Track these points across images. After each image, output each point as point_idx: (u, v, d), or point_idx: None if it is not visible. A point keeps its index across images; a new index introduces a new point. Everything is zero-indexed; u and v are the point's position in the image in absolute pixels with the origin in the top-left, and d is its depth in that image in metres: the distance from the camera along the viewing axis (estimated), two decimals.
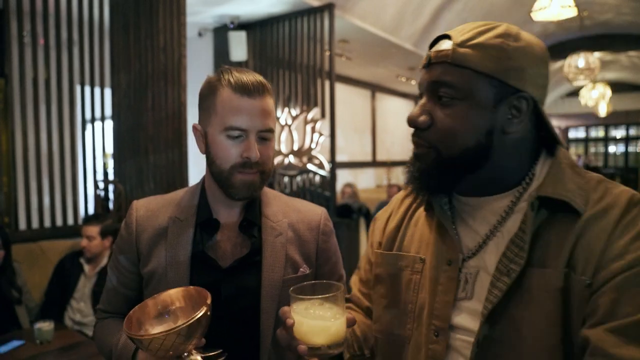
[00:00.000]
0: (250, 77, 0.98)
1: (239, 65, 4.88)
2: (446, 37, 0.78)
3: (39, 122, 3.18)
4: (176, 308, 0.90)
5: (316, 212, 1.14)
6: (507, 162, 0.78)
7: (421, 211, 0.91)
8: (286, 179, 4.79)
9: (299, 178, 4.71)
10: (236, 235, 1.05)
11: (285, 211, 1.10)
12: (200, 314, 0.80)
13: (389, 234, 0.95)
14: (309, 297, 0.79)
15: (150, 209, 1.09)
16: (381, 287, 0.92)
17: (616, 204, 0.71)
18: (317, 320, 0.77)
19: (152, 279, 1.03)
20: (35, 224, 3.22)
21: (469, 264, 0.79)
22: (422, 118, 0.78)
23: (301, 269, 1.06)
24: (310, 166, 4.62)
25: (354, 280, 1.06)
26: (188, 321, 0.78)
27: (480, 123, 0.75)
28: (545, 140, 0.82)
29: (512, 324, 0.71)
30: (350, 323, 0.79)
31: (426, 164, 0.79)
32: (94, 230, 2.67)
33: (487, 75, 0.73)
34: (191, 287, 0.91)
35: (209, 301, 0.83)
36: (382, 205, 6.03)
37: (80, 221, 3.28)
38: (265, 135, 0.99)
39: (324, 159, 4.55)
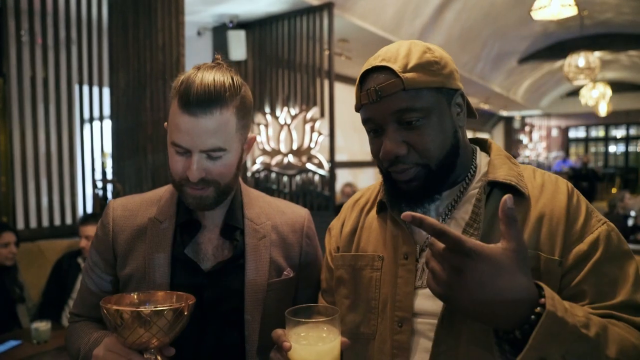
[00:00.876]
0: (202, 86, 0.88)
1: (236, 64, 4.88)
2: (379, 69, 0.82)
3: (37, 121, 3.17)
4: (158, 302, 0.87)
5: (300, 214, 1.11)
6: (462, 156, 0.86)
7: (373, 214, 0.96)
8: (285, 179, 4.79)
9: (298, 177, 4.70)
10: (218, 236, 1.01)
11: (268, 213, 1.07)
12: (179, 305, 0.78)
13: (345, 238, 0.98)
14: (305, 320, 0.77)
15: (128, 208, 1.04)
16: (343, 289, 0.94)
17: (559, 190, 0.82)
18: (314, 344, 0.75)
19: (130, 282, 0.99)
20: (33, 223, 3.22)
21: (425, 254, 0.79)
22: (401, 148, 0.81)
23: (285, 272, 1.03)
24: (309, 165, 4.61)
25: (319, 295, 1.05)
26: (164, 307, 0.77)
27: (447, 128, 0.83)
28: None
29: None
30: (345, 346, 0.79)
31: (419, 182, 0.82)
32: (92, 229, 2.66)
33: (437, 89, 0.81)
34: (178, 292, 0.88)
35: (191, 302, 0.81)
36: None
37: (78, 221, 3.27)
38: (213, 155, 0.91)
39: (324, 159, 4.55)
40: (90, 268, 1.05)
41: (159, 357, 0.81)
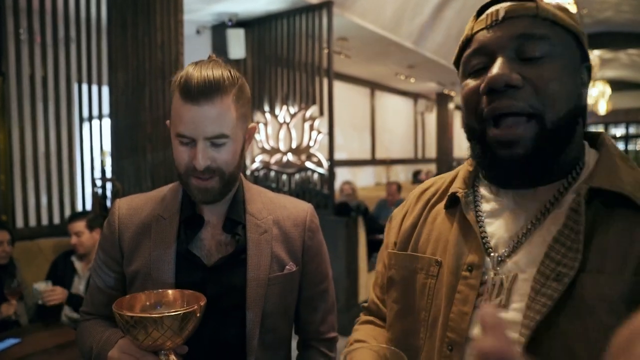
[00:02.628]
0: (202, 77, 0.91)
1: (235, 63, 4.87)
2: None
3: (37, 120, 3.17)
4: (169, 304, 0.90)
5: (302, 209, 1.11)
6: (574, 146, 0.67)
7: (440, 208, 0.80)
8: (284, 177, 4.79)
9: (297, 176, 4.71)
10: (220, 232, 1.03)
11: (270, 208, 1.08)
12: (192, 309, 0.80)
13: (404, 233, 0.84)
14: None
15: (133, 207, 1.07)
16: (394, 292, 0.82)
17: None
18: None
19: (136, 279, 1.01)
20: (32, 222, 3.22)
21: (505, 267, 0.67)
22: (515, 76, 0.62)
23: (287, 267, 1.04)
24: (308, 164, 4.61)
25: (372, 285, 0.95)
26: (177, 311, 0.78)
27: (573, 84, 0.65)
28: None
29: (561, 340, 0.59)
30: None
31: (524, 148, 0.63)
32: (80, 225, 2.68)
33: (574, 35, 0.65)
34: (188, 290, 0.91)
35: (202, 303, 0.83)
36: (382, 203, 6.03)
37: (66, 220, 3.27)
38: (217, 142, 0.94)
39: (323, 157, 4.55)
40: (98, 266, 1.07)
41: (173, 357, 0.83)
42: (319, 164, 4.57)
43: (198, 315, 0.82)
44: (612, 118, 13.45)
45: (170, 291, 0.92)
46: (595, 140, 0.73)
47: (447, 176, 0.86)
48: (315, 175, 4.61)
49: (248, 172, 5.07)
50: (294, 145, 4.74)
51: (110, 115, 3.45)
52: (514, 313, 0.63)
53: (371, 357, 0.67)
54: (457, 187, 0.77)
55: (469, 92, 0.68)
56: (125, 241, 1.03)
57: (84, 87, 3.43)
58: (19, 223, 3.15)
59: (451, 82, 8.91)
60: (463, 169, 0.81)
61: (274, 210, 1.08)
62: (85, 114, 3.48)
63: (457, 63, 0.75)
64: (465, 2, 5.91)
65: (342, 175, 7.22)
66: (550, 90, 0.62)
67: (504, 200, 0.72)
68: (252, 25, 4.91)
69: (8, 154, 3.11)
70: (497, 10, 0.66)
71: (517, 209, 0.70)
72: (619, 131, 14.72)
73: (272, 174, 4.88)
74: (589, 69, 0.68)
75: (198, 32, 5.01)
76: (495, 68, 0.63)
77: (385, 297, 0.86)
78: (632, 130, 14.46)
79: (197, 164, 0.93)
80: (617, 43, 8.14)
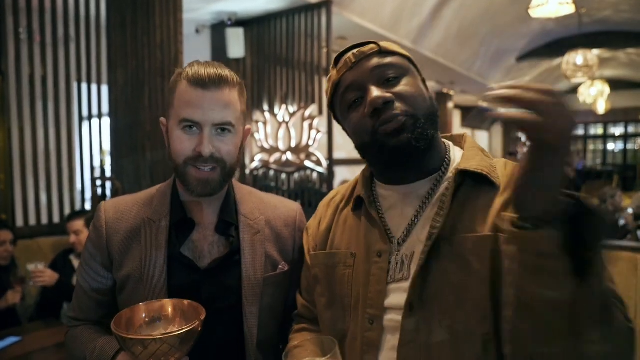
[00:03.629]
0: (211, 70, 0.93)
1: (235, 62, 4.88)
2: (354, 47, 0.88)
3: (36, 119, 3.18)
4: (169, 318, 0.88)
5: (292, 208, 1.13)
6: (437, 146, 0.87)
7: (348, 211, 0.96)
8: (284, 176, 4.79)
9: (296, 175, 4.71)
10: (213, 234, 1.02)
11: (261, 208, 1.08)
12: (193, 326, 0.79)
13: (320, 237, 0.98)
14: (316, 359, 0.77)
15: (120, 210, 1.03)
16: (319, 287, 0.94)
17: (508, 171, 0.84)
18: None
19: (127, 284, 0.99)
20: (32, 220, 3.23)
21: (403, 248, 0.84)
22: (388, 94, 0.81)
23: (280, 266, 1.05)
24: (307, 163, 4.62)
25: (297, 296, 1.05)
26: (179, 330, 0.77)
27: (424, 90, 0.86)
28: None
29: (445, 288, 0.76)
30: None
31: (408, 131, 0.81)
32: (79, 223, 2.68)
33: (408, 59, 0.88)
34: (186, 301, 0.89)
35: (202, 317, 0.82)
36: None
37: (65, 219, 3.28)
38: (224, 128, 0.94)
39: (322, 156, 4.55)
40: (85, 271, 1.04)
41: None
42: (318, 163, 4.57)
43: (199, 329, 0.81)
44: (611, 117, 13.46)
45: (169, 303, 0.90)
46: (459, 141, 0.95)
47: (347, 185, 1.03)
48: (315, 174, 4.62)
49: (247, 171, 5.08)
50: (293, 145, 4.74)
51: (110, 114, 3.46)
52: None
53: (309, 348, 0.83)
54: (360, 191, 0.93)
55: (358, 121, 0.85)
56: (114, 245, 1.00)
57: (84, 86, 3.44)
58: (19, 222, 3.16)
59: (450, 81, 8.91)
60: (361, 177, 0.97)
61: (265, 211, 1.08)
62: (85, 113, 3.48)
63: (331, 106, 0.94)
64: (464, 1, 5.92)
65: (341, 174, 7.22)
66: (413, 97, 0.82)
67: (396, 195, 0.89)
68: (252, 24, 4.92)
69: (8, 153, 3.11)
70: (352, 55, 0.86)
71: (406, 201, 0.88)
72: (617, 130, 14.73)
73: (272, 173, 4.88)
74: (423, 81, 0.89)
75: (197, 31, 5.01)
76: (372, 93, 0.81)
77: (312, 297, 0.98)
78: (631, 129, 14.48)
79: (203, 150, 0.91)
80: (616, 42, 8.15)
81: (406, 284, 0.80)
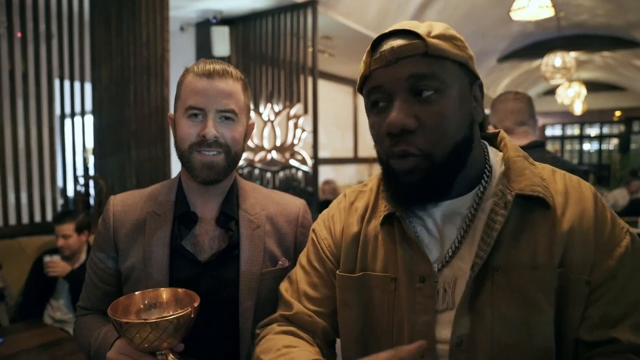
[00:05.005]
0: (217, 65, 1.00)
1: (222, 60, 4.85)
2: (397, 34, 0.72)
3: (17, 116, 3.11)
4: (164, 305, 0.91)
5: (295, 205, 1.13)
6: (473, 159, 0.75)
7: (376, 224, 0.83)
8: (269, 175, 4.79)
9: (281, 174, 4.72)
10: (214, 228, 1.04)
11: (263, 203, 1.10)
12: (186, 311, 0.81)
13: (347, 251, 0.85)
14: None
15: (128, 203, 1.08)
16: (351, 312, 0.82)
17: (585, 197, 0.73)
18: None
19: (131, 275, 1.03)
20: (12, 220, 3.16)
21: (444, 273, 0.74)
22: (410, 121, 0.69)
23: (280, 262, 1.06)
24: (293, 162, 4.63)
25: (292, 296, 0.90)
26: (172, 315, 0.80)
27: (464, 114, 0.72)
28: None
29: (501, 325, 0.68)
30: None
31: (419, 176, 0.70)
32: (69, 227, 2.60)
33: (460, 64, 0.72)
34: (181, 289, 0.92)
35: (196, 304, 0.84)
36: None
37: (53, 219, 3.22)
38: (227, 116, 0.99)
39: (307, 155, 4.57)
40: (93, 263, 1.08)
41: (171, 356, 0.84)
42: (303, 161, 4.59)
43: (193, 316, 0.83)
44: (587, 118, 13.80)
45: (164, 291, 0.93)
46: (494, 140, 0.84)
47: (369, 190, 0.89)
48: (300, 173, 4.63)
49: None
50: (278, 143, 4.75)
51: (93, 112, 3.41)
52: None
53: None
54: (391, 207, 0.79)
55: (376, 129, 0.75)
56: (120, 238, 1.04)
57: (66, 83, 3.38)
58: None
59: None
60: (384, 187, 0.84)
61: (267, 206, 1.10)
62: (68, 110, 3.42)
63: (360, 91, 0.81)
64: (447, 2, 6.00)
65: (325, 173, 7.25)
66: (442, 128, 0.69)
67: (431, 213, 0.77)
68: (237, 23, 4.90)
69: None
70: (390, 50, 0.70)
71: (445, 220, 0.76)
72: (593, 131, 15.10)
73: (257, 171, 4.88)
74: (480, 86, 0.76)
75: (182, 29, 4.97)
76: (393, 112, 0.69)
77: (324, 309, 0.86)
78: (606, 130, 14.86)
79: (207, 133, 0.95)
80: (592, 45, 8.36)
81: (451, 315, 0.71)
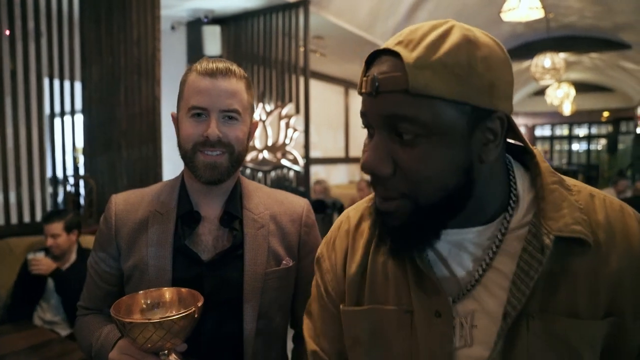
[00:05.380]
0: (221, 63, 0.99)
1: None
2: (389, 52, 0.60)
3: (5, 115, 3.07)
4: (167, 305, 0.91)
5: (299, 204, 1.13)
6: (489, 191, 0.65)
7: (385, 252, 0.73)
8: (260, 174, 4.79)
9: (273, 174, 4.71)
10: (217, 227, 1.04)
11: (267, 203, 1.09)
12: (189, 311, 0.81)
13: (352, 282, 0.75)
14: None
15: (130, 202, 1.07)
16: (360, 349, 0.73)
17: (630, 229, 0.63)
18: None
19: (133, 274, 1.02)
20: (1, 220, 3.12)
21: (460, 307, 0.66)
22: (384, 166, 0.60)
23: (284, 262, 1.06)
24: (284, 162, 4.63)
25: (311, 335, 0.81)
26: (175, 315, 0.79)
27: (455, 160, 0.59)
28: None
29: None
30: None
31: (401, 220, 0.62)
32: (58, 227, 2.58)
33: (456, 102, 0.57)
34: (184, 289, 0.91)
35: (200, 304, 0.84)
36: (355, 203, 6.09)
37: (42, 219, 3.19)
38: (231, 115, 0.98)
39: (298, 155, 4.57)
40: (95, 262, 1.08)
41: (173, 356, 0.84)
42: (295, 161, 4.59)
43: (196, 316, 0.83)
44: (576, 119, 13.95)
45: (167, 290, 0.92)
46: (522, 155, 0.71)
47: (372, 212, 0.77)
48: (291, 173, 4.63)
49: None
50: (269, 143, 4.74)
51: (83, 111, 3.38)
52: (478, 348, 0.64)
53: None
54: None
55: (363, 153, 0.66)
56: (122, 237, 1.03)
57: (56, 82, 3.34)
58: None
59: None
60: None
61: (271, 206, 1.09)
62: (57, 109, 3.39)
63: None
64: (439, 3, 6.03)
65: (317, 173, 7.26)
66: (420, 176, 0.59)
67: (446, 239, 0.67)
68: (228, 22, 4.88)
69: None
70: (372, 79, 0.60)
71: (460, 250, 0.67)
72: (582, 131, 15.27)
73: (248, 171, 4.87)
74: (502, 119, 0.61)
75: (173, 28, 4.95)
76: (367, 152, 0.61)
77: (337, 348, 0.77)
78: (594, 130, 15.03)
79: (210, 133, 0.95)
80: (581, 47, 8.45)
81: (472, 353, 0.64)
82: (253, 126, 1.08)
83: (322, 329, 0.79)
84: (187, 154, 0.99)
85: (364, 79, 0.62)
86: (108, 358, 0.91)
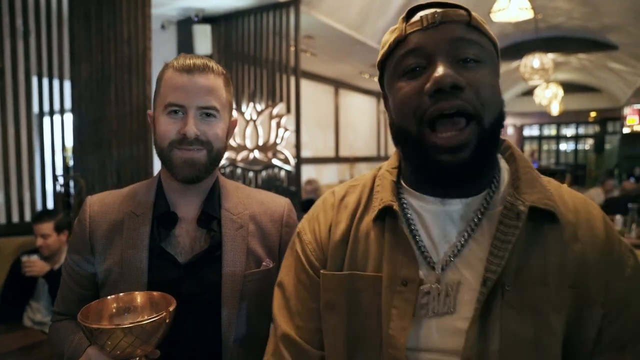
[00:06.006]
0: (198, 60, 0.97)
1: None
2: (439, 5, 0.69)
3: None
4: (137, 309, 0.87)
5: (279, 204, 1.09)
6: (487, 161, 0.71)
7: (369, 221, 0.75)
8: (251, 174, 4.78)
9: (264, 173, 4.71)
10: (195, 229, 1.00)
11: (246, 203, 1.06)
12: (160, 316, 0.77)
13: (334, 249, 0.77)
14: None
15: (105, 203, 1.03)
16: (334, 316, 0.74)
17: (594, 216, 0.71)
18: None
19: (108, 278, 0.98)
20: None
21: (448, 276, 0.69)
22: (461, 78, 0.64)
23: (264, 263, 1.03)
24: (275, 161, 4.62)
25: (282, 315, 0.80)
26: (144, 321, 0.76)
27: (499, 91, 0.69)
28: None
29: (511, 342, 0.64)
30: None
31: (470, 148, 0.65)
32: (48, 227, 2.56)
33: (494, 45, 0.71)
34: (156, 292, 0.88)
35: (171, 308, 0.81)
36: None
37: (32, 218, 3.15)
38: (208, 112, 0.96)
39: (289, 154, 4.57)
40: (69, 266, 1.04)
41: None
42: (286, 161, 4.58)
43: (168, 321, 0.79)
44: (564, 119, 14.11)
45: (139, 295, 0.89)
46: (500, 147, 0.78)
47: (362, 185, 0.82)
48: (282, 173, 4.63)
49: None
50: (260, 143, 4.73)
51: (73, 110, 3.35)
52: (457, 319, 0.67)
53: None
54: (388, 199, 0.73)
55: (408, 94, 0.68)
56: (96, 239, 1.00)
57: (44, 80, 3.31)
58: None
59: None
60: (384, 179, 0.78)
61: (250, 206, 1.06)
62: (46, 108, 3.35)
63: (382, 64, 0.75)
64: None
65: (308, 172, 7.26)
66: (486, 93, 0.66)
67: (435, 210, 0.72)
68: (219, 21, 4.87)
69: None
70: (433, 14, 0.67)
71: (448, 219, 0.71)
72: (569, 131, 15.45)
73: (239, 171, 4.86)
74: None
75: (163, 26, 4.92)
76: (441, 69, 0.64)
77: (312, 324, 0.77)
78: (582, 130, 15.22)
79: (187, 131, 0.92)
80: (569, 47, 8.55)
81: (453, 323, 0.67)
82: (232, 124, 1.05)
83: (296, 305, 0.79)
84: (163, 151, 0.96)
85: (416, 20, 0.69)
86: None
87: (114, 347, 0.76)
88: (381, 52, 0.74)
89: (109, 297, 0.87)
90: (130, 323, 0.76)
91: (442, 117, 0.65)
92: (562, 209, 0.69)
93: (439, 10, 0.68)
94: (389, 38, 0.73)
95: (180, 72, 0.95)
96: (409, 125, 0.68)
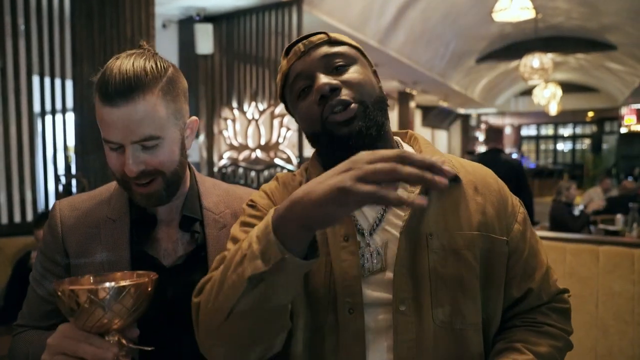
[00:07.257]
0: (120, 74, 0.82)
1: (203, 58, 4.80)
2: (303, 39, 0.87)
3: None
4: (117, 282, 0.81)
5: None
6: (387, 136, 0.87)
7: None
8: (253, 174, 4.77)
9: (266, 172, 4.70)
10: (176, 230, 0.97)
11: (227, 201, 1.03)
12: (142, 281, 0.74)
13: None
14: None
15: (77, 207, 0.97)
16: None
17: (487, 175, 0.90)
18: None
19: None
20: None
21: (375, 238, 0.82)
22: (334, 81, 0.81)
23: None
24: (277, 161, 4.62)
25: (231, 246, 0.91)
26: (126, 284, 0.72)
27: (374, 79, 0.87)
28: None
29: (439, 282, 0.78)
30: None
31: (360, 120, 0.80)
32: None
33: (357, 49, 0.88)
34: (140, 271, 0.85)
35: (154, 277, 0.78)
36: None
37: (32, 223, 3.13)
38: (147, 144, 0.85)
39: (292, 154, 4.56)
40: (39, 275, 0.95)
41: (122, 340, 0.75)
42: (288, 160, 4.58)
43: (150, 289, 0.76)
44: (561, 119, 14.17)
45: (117, 273, 0.85)
46: (404, 137, 0.96)
47: (298, 174, 0.95)
48: (284, 172, 4.62)
49: (215, 169, 5.02)
50: (262, 142, 4.73)
51: (75, 110, 3.33)
52: (390, 273, 0.79)
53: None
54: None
55: (307, 109, 0.84)
56: (71, 246, 0.94)
57: (46, 80, 3.29)
58: None
59: (413, 81, 9.11)
60: (313, 168, 0.92)
61: (231, 203, 1.02)
62: (48, 107, 3.33)
63: (282, 97, 0.92)
64: (429, 3, 6.07)
65: None
66: (360, 84, 0.82)
67: None
68: (221, 20, 4.85)
69: None
70: (302, 45, 0.85)
71: None
72: (567, 131, 15.52)
73: (241, 170, 4.85)
74: (374, 72, 0.90)
75: (164, 26, 4.90)
76: (319, 80, 0.81)
77: None
78: (579, 130, 15.29)
79: (128, 170, 0.84)
80: (567, 47, 8.59)
81: (387, 276, 0.79)
82: (190, 125, 0.95)
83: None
84: (119, 182, 0.90)
85: (291, 53, 0.86)
86: (46, 345, 0.79)
87: (90, 315, 0.71)
88: (278, 87, 0.92)
89: (86, 276, 0.83)
90: (111, 285, 0.72)
91: (334, 114, 0.82)
92: (463, 172, 0.87)
93: (304, 41, 0.86)
94: (279, 76, 0.90)
95: (103, 104, 0.83)
96: (315, 127, 0.84)
